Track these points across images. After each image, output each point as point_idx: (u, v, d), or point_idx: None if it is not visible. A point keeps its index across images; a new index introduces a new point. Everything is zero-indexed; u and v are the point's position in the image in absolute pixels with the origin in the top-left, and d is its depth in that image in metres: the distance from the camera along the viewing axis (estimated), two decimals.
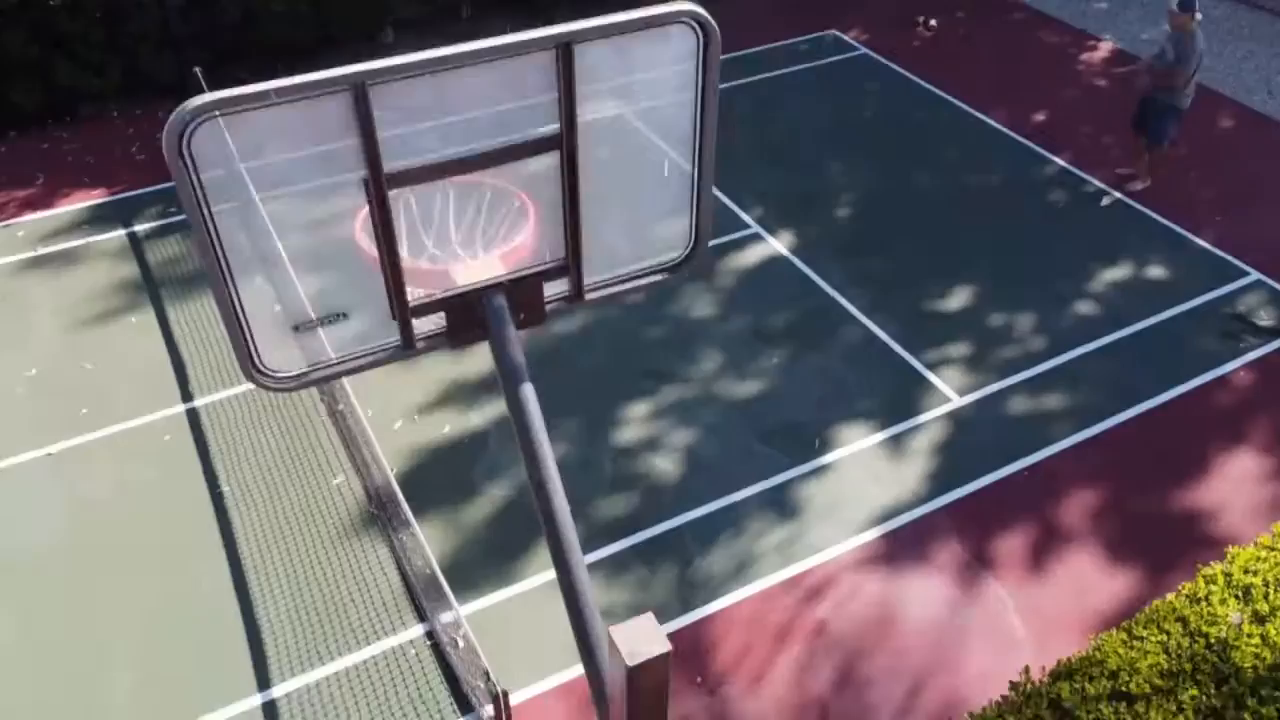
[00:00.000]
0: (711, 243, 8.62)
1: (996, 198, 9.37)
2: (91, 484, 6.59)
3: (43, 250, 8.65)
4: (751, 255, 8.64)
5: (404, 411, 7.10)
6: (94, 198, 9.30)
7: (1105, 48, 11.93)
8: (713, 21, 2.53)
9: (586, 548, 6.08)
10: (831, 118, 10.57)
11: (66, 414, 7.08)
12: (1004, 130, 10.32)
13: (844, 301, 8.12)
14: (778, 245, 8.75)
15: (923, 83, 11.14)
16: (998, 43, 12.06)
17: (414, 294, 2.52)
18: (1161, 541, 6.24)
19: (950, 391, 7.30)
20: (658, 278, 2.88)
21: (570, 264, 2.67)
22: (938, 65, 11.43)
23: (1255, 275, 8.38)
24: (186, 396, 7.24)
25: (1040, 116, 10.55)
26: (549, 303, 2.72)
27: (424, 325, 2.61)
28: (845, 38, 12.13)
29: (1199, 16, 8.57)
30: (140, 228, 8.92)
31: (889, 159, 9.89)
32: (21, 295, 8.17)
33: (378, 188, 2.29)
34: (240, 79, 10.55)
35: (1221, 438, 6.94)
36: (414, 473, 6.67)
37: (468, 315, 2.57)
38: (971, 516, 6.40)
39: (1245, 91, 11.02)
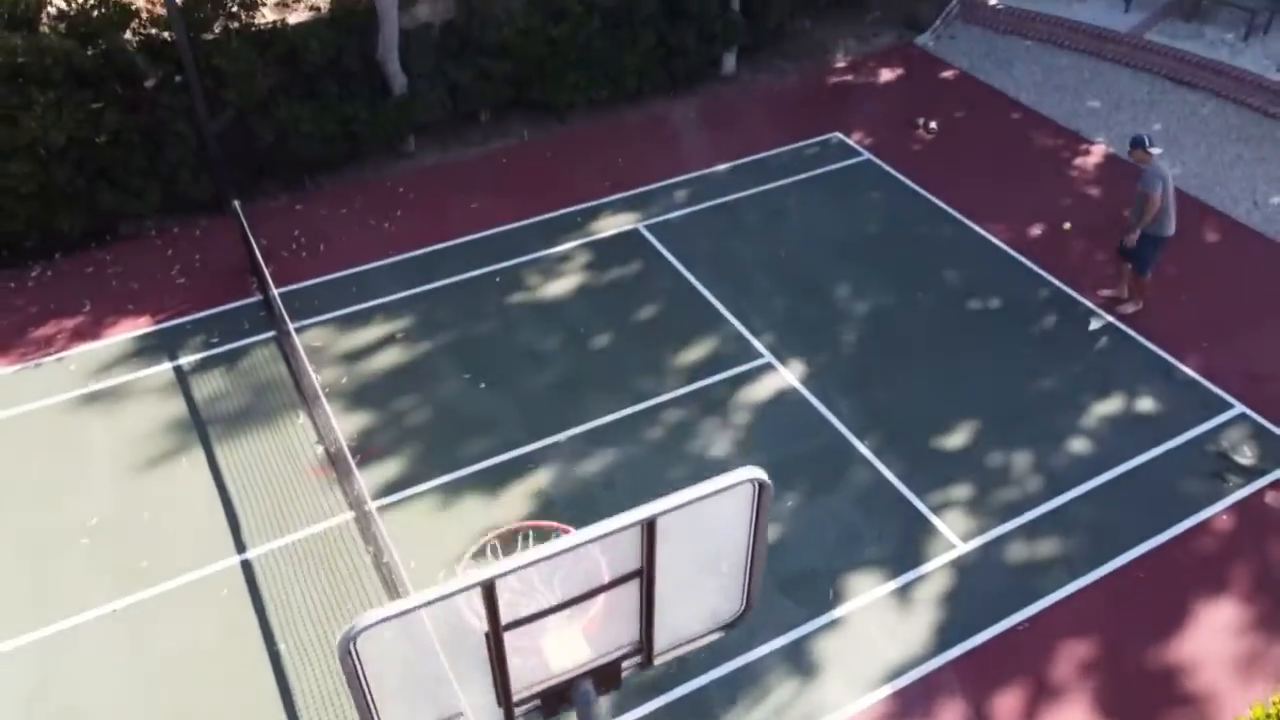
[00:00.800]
0: (725, 373, 9.14)
1: (996, 321, 9.89)
2: (155, 642, 7.10)
3: (94, 386, 9.14)
4: (764, 388, 9.15)
5: (444, 562, 7.61)
6: (139, 326, 9.80)
7: (1098, 151, 12.45)
8: (769, 480, 3.03)
9: (620, 709, 6.60)
10: (837, 231, 11.08)
11: (128, 567, 7.58)
12: (1003, 247, 10.84)
13: (853, 439, 8.63)
14: (789, 376, 9.26)
15: (924, 192, 11.65)
16: (995, 146, 12.58)
17: (515, 686, 3.02)
18: (1149, 699, 6.76)
19: (954, 537, 7.82)
20: (715, 636, 3.38)
21: (643, 646, 3.18)
22: (938, 171, 11.95)
23: (1239, 408, 8.90)
24: (240, 546, 7.74)
25: (1037, 231, 11.07)
26: (623, 671, 3.23)
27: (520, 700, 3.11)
28: (849, 141, 12.64)
29: (1155, 150, 9.14)
30: (185, 360, 9.42)
31: (894, 278, 10.41)
32: (77, 435, 8.66)
33: (497, 639, 2.79)
34: (273, 193, 11.07)
35: (1205, 587, 7.46)
36: None
37: (559, 696, 3.08)
38: (974, 671, 6.92)
39: (1231, 201, 11.53)
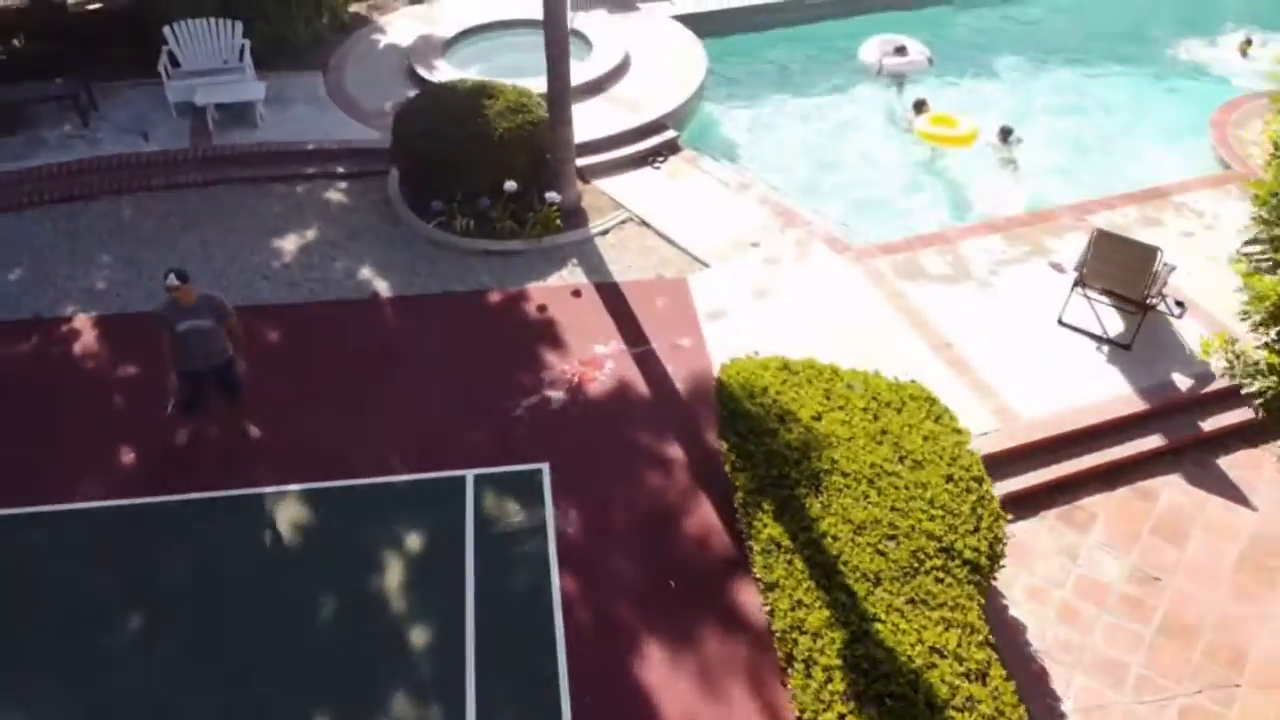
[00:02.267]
0: None
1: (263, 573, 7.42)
2: None
3: None
4: None
5: None
6: None
7: (83, 321, 9.82)
8: None
9: None
10: None
11: None
12: (95, 506, 8.03)
13: None
14: None
15: None
16: None
17: None
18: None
19: None
20: None
21: None
22: None
23: (468, 472, 8.24)
24: None
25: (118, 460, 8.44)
26: None
27: None
28: None
29: (175, 283, 7.68)
30: None
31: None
32: None
33: None
34: None
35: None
36: None
37: None
38: None
39: (239, 288, 10.13)
